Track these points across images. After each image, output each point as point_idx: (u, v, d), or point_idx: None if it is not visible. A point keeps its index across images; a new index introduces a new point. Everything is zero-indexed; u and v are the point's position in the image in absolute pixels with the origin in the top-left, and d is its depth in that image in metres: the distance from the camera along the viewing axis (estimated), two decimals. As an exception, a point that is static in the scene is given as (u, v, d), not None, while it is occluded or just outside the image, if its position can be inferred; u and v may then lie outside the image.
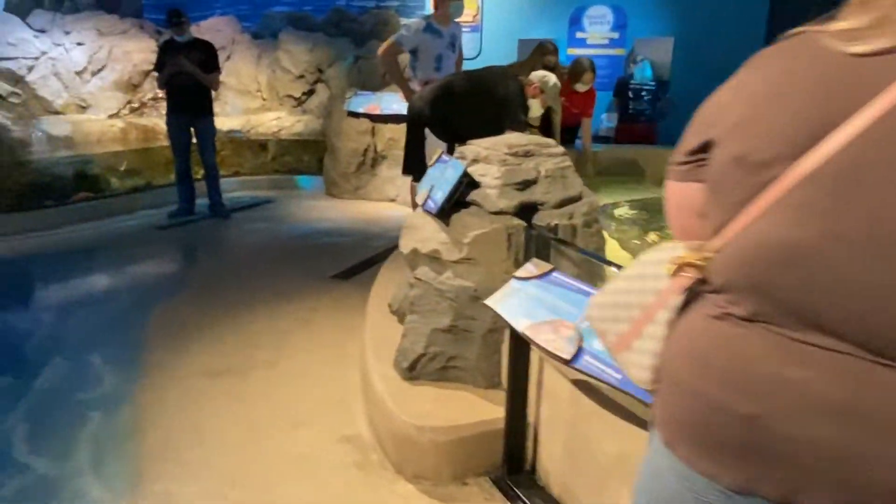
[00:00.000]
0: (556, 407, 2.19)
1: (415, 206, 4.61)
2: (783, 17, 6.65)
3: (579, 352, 1.75)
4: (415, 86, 4.47)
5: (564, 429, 2.15)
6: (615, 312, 0.94)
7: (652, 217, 4.23)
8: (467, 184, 2.64)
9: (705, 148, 0.85)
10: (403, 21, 8.37)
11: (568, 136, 5.21)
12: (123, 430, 2.58)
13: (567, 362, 1.74)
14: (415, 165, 4.16)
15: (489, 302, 2.13)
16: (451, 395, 2.51)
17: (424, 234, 2.75)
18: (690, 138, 0.89)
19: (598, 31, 7.03)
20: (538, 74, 4.03)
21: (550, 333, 1.85)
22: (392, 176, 6.96)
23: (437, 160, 3.11)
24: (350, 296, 4.05)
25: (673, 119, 7.05)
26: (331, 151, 7.23)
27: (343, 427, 2.62)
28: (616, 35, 7.08)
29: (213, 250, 5.33)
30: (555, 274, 2.10)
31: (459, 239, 2.56)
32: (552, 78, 4.01)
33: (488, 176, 2.67)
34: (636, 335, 0.91)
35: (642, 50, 6.82)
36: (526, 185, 2.66)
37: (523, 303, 2.04)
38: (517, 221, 2.54)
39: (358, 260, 4.82)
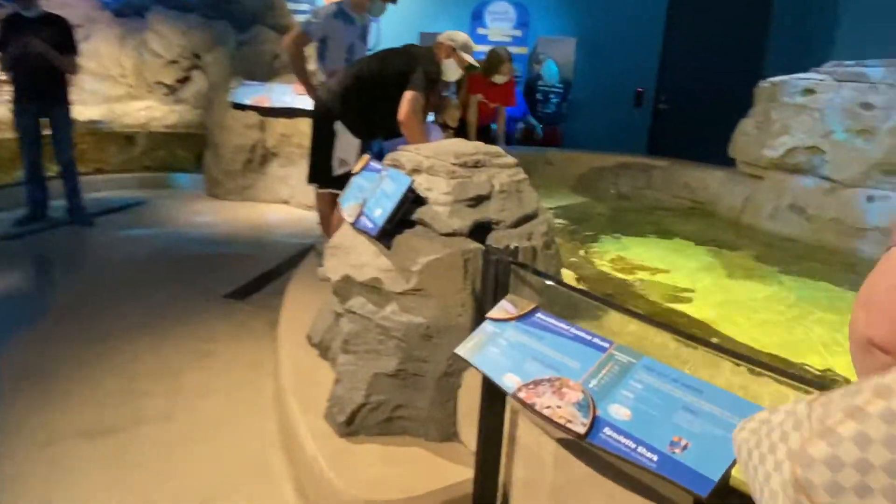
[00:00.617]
0: (537, 470, 1.86)
1: (325, 220, 4.11)
2: (680, 19, 6.77)
3: (595, 423, 1.42)
4: (320, 79, 3.97)
5: (548, 498, 1.82)
6: None
7: (580, 226, 4.04)
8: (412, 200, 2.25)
9: None
10: (291, 6, 7.76)
11: (485, 137, 4.92)
12: (-34, 528, 1.95)
13: (582, 437, 1.41)
14: (321, 171, 3.66)
15: (462, 352, 1.75)
16: (402, 454, 2.12)
17: (359, 258, 2.32)
18: None
19: (500, 27, 6.82)
20: (445, 34, 3.62)
21: (553, 398, 1.50)
22: (284, 175, 6.37)
23: (366, 168, 2.69)
24: (252, 321, 3.51)
25: (576, 121, 7.00)
26: (212, 147, 6.50)
27: (266, 501, 2.14)
28: (519, 33, 6.90)
29: (75, 265, 4.52)
30: (539, 314, 1.76)
31: (407, 266, 2.16)
32: (460, 35, 3.61)
33: (435, 190, 2.29)
34: None
35: (545, 49, 6.68)
36: (478, 200, 2.31)
37: (506, 353, 1.69)
38: (474, 245, 2.18)
39: (254, 274, 4.25)
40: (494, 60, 4.78)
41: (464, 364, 2.16)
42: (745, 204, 4.22)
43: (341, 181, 3.61)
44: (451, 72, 3.60)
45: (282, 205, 6.28)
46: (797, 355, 2.40)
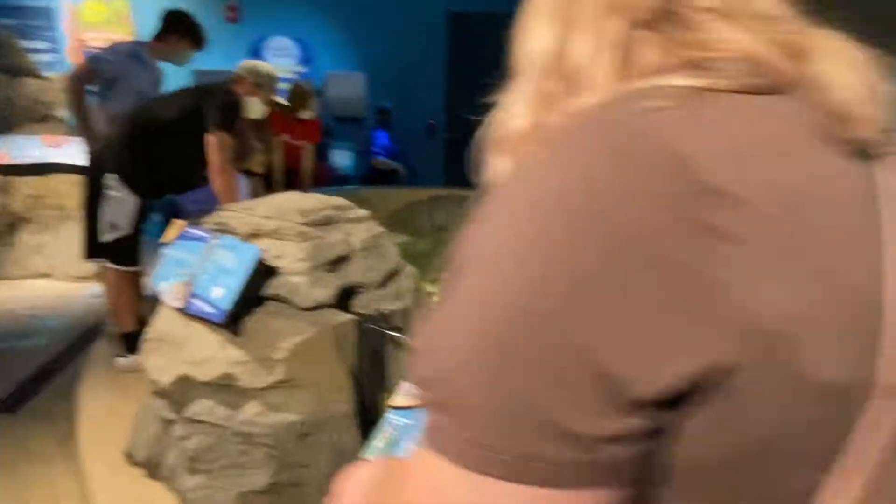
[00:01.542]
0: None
1: (118, 301, 3.34)
2: (459, 49, 6.99)
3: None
4: (99, 124, 3.32)
5: None
6: None
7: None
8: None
9: (686, 387, 0.33)
10: (26, 44, 6.62)
11: (293, 180, 4.51)
12: None
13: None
14: (91, 242, 3.04)
15: (372, 458, 1.42)
16: (291, 589, 1.70)
17: (199, 352, 1.86)
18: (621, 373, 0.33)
19: (283, 64, 6.44)
20: (245, 66, 3.23)
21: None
22: (39, 244, 5.31)
23: (182, 236, 2.22)
24: (34, 439, 2.74)
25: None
26: (-65, 218, 5.20)
27: None
28: (303, 69, 6.58)
29: None
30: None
31: (267, 354, 1.77)
32: (263, 65, 3.27)
33: (287, 257, 1.93)
34: None
35: (335, 85, 6.44)
36: (337, 263, 2.00)
37: (430, 450, 1.40)
38: (346, 317, 1.86)
39: (25, 375, 3.38)
40: (301, 95, 4.46)
41: (352, 459, 1.83)
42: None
43: (118, 249, 3.00)
44: (255, 109, 3.21)
45: (42, 279, 5.21)
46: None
